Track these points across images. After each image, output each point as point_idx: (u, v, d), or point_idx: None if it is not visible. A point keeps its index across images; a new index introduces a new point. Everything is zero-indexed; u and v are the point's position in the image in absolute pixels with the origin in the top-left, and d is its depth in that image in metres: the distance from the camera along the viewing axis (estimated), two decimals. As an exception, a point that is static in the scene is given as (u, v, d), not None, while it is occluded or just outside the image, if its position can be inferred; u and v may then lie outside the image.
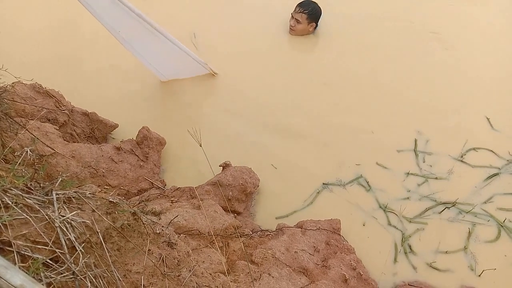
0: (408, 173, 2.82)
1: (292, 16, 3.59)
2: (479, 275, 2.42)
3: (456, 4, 4.07)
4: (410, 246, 2.53)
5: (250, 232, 2.35)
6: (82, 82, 3.19)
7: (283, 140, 2.99)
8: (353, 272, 2.26)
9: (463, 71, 3.48)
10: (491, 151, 2.96)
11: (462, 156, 2.92)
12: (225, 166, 2.65)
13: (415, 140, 2.99)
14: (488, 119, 3.14)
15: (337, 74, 3.41)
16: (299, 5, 3.54)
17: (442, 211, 2.65)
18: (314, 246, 2.31)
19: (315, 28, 3.65)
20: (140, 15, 2.61)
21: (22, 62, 3.07)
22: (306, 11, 3.50)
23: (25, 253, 1.07)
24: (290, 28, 3.64)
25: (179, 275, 1.57)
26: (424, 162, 2.89)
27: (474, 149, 2.96)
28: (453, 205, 2.66)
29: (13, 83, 2.40)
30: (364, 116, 3.14)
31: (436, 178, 2.81)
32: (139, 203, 2.20)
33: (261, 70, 3.43)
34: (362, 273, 2.28)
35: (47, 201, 1.21)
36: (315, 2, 3.57)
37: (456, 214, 2.66)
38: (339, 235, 2.47)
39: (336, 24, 3.76)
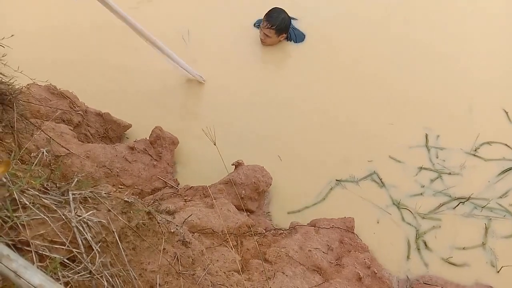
0: (421, 168, 2.80)
1: (261, 29, 3.44)
2: (498, 271, 2.40)
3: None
4: (425, 243, 2.51)
5: (264, 230, 2.36)
6: (96, 83, 3.22)
7: (296, 137, 2.99)
8: (368, 271, 2.25)
9: (474, 64, 3.43)
10: (505, 144, 2.93)
11: (475, 150, 2.89)
12: (237, 164, 2.66)
13: (426, 135, 2.96)
14: (506, 112, 3.09)
15: (346, 71, 3.38)
16: (267, 20, 3.36)
17: (457, 206, 2.63)
18: (328, 245, 2.30)
19: (287, 37, 3.51)
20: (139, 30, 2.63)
21: (36, 63, 3.09)
22: (274, 27, 3.34)
23: (43, 252, 1.08)
24: (261, 40, 3.50)
25: (193, 274, 1.58)
26: (437, 157, 2.86)
27: (488, 143, 2.93)
28: (467, 200, 2.64)
29: (28, 84, 2.43)
30: (374, 113, 3.12)
31: (450, 173, 2.79)
32: (153, 202, 2.22)
33: (267, 67, 3.42)
34: (376, 271, 2.26)
35: (64, 201, 1.22)
36: (283, 12, 3.38)
37: (471, 209, 2.64)
38: (353, 233, 2.46)
39: (338, 24, 3.69)
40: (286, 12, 3.40)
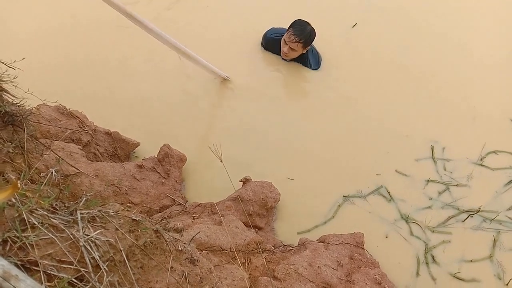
0: (428, 180, 2.78)
1: (286, 43, 3.30)
2: (507, 284, 2.36)
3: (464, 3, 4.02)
4: (433, 257, 2.48)
5: (272, 247, 2.34)
6: (104, 102, 3.26)
7: (301, 154, 2.98)
8: (378, 287, 2.22)
9: (476, 74, 3.43)
10: None
11: (482, 159, 2.88)
12: (245, 181, 2.65)
13: (432, 148, 2.95)
14: None
15: (349, 86, 3.38)
16: (294, 33, 3.21)
17: (466, 219, 2.60)
18: (338, 261, 2.28)
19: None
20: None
21: (45, 83, 3.16)
22: (302, 40, 3.22)
23: (51, 272, 1.09)
24: (283, 53, 3.39)
25: (202, 292, 1.57)
26: (445, 169, 2.85)
27: (494, 152, 2.92)
28: (477, 213, 2.61)
29: (38, 105, 2.47)
30: (379, 127, 3.12)
31: (457, 185, 2.77)
32: (161, 220, 2.22)
33: (273, 84, 3.43)
34: (387, 287, 2.23)
35: (72, 221, 1.23)
36: (308, 24, 3.25)
37: (480, 222, 2.62)
38: (363, 249, 2.44)
39: (345, 43, 3.70)
40: (310, 24, 3.27)
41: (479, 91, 3.29)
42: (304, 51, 3.40)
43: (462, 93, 3.29)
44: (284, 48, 3.35)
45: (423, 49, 3.61)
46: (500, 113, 3.15)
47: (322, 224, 2.65)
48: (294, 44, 3.26)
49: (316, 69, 3.49)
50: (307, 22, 3.28)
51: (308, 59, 3.48)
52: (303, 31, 3.22)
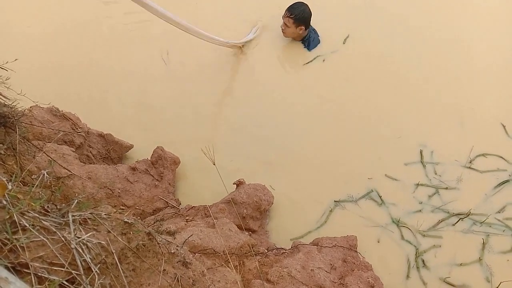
0: (417, 184, 2.79)
1: (283, 20, 3.60)
2: (497, 287, 2.38)
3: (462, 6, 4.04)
4: (423, 261, 2.49)
5: (266, 250, 2.34)
6: (97, 104, 3.25)
7: (293, 158, 2.98)
8: (371, 290, 2.22)
9: (468, 77, 3.43)
10: (500, 156, 2.93)
11: (470, 162, 2.89)
12: (239, 183, 2.65)
13: (421, 151, 2.96)
14: (504, 126, 3.09)
15: (339, 90, 3.37)
16: (288, 9, 3.51)
17: (456, 222, 2.62)
18: (331, 264, 2.28)
19: (306, 29, 3.59)
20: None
21: (39, 85, 3.14)
22: (292, 16, 3.46)
23: (42, 274, 1.08)
24: (282, 30, 3.64)
25: (194, 295, 1.57)
26: (435, 173, 2.85)
27: (483, 155, 2.93)
28: (467, 216, 2.63)
29: (30, 107, 2.46)
30: (367, 131, 3.11)
31: (447, 188, 2.78)
32: (154, 222, 2.21)
33: (265, 87, 3.42)
34: (380, 290, 2.24)
35: (64, 223, 1.23)
36: (304, 5, 3.51)
37: (470, 225, 2.63)
38: (356, 251, 2.44)
39: (340, 47, 3.69)
40: (308, 6, 3.51)
41: (469, 94, 3.29)
42: (300, 31, 3.54)
43: (451, 96, 3.29)
44: (281, 25, 3.60)
45: (414, 53, 3.60)
46: (490, 116, 3.15)
47: (314, 230, 2.65)
48: (286, 19, 3.51)
49: (310, 48, 3.64)
50: (305, 3, 3.52)
51: (308, 41, 3.65)
52: (296, 8, 3.49)
